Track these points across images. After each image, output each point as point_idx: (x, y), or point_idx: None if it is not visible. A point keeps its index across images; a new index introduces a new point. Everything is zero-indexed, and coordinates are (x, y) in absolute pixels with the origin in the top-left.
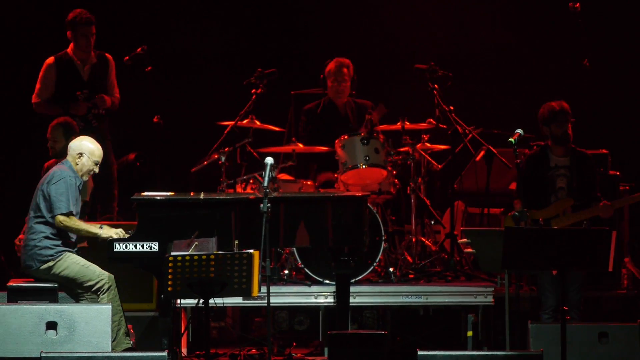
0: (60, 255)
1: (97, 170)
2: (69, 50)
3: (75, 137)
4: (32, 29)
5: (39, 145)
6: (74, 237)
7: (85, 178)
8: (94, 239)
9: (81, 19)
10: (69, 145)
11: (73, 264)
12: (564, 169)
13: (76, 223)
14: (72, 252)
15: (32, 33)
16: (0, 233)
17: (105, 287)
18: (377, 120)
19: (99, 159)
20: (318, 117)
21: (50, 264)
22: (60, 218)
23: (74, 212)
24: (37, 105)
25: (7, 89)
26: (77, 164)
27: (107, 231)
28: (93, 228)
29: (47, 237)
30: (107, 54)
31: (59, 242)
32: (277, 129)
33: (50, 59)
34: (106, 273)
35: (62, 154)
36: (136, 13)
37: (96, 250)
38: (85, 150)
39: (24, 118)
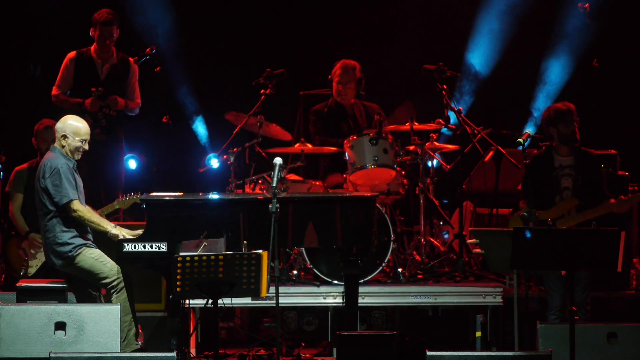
0: (79, 250)
1: (86, 147)
2: (91, 47)
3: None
4: (39, 28)
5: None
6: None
7: (77, 157)
8: (103, 239)
9: (102, 18)
10: (55, 127)
11: (91, 258)
12: (568, 169)
13: (87, 214)
14: (90, 245)
15: (39, 32)
16: (8, 233)
17: (120, 286)
18: (402, 119)
19: (86, 137)
20: (325, 118)
21: (72, 254)
22: (72, 206)
23: (76, 197)
24: (56, 97)
25: (14, 89)
26: (64, 146)
27: (119, 230)
28: (105, 223)
29: (63, 231)
30: (130, 58)
31: (75, 234)
32: (284, 137)
33: (72, 53)
34: (117, 267)
35: None
36: (143, 13)
37: (105, 250)
38: (69, 130)
39: (36, 117)
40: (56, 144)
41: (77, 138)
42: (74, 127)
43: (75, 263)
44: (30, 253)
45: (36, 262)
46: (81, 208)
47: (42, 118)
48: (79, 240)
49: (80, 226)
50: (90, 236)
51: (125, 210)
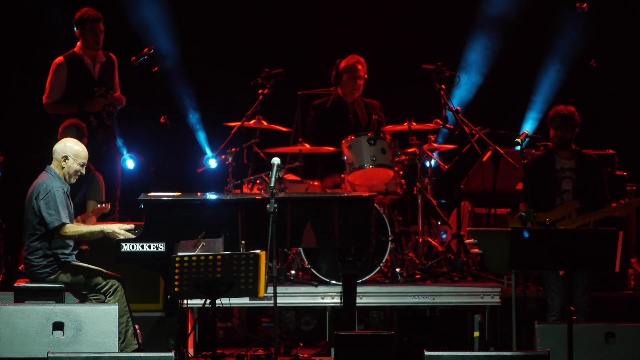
0: (60, 269)
1: (83, 171)
2: (76, 49)
3: (81, 138)
4: (38, 28)
5: (47, 146)
6: (71, 244)
7: (72, 180)
8: (98, 241)
9: (89, 17)
10: (53, 149)
11: (75, 272)
12: (569, 172)
13: (76, 229)
14: (71, 261)
15: (38, 33)
16: (7, 233)
17: (112, 290)
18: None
19: (85, 160)
20: (327, 113)
21: (52, 277)
22: (61, 231)
23: (68, 221)
24: (49, 105)
25: (14, 89)
26: (63, 168)
27: (112, 227)
28: (95, 228)
29: (44, 255)
30: (111, 54)
31: (55, 257)
32: (283, 129)
33: (60, 59)
34: (103, 273)
35: None
36: (143, 13)
37: (100, 253)
38: (70, 152)
39: (36, 117)
40: (54, 166)
41: (77, 161)
42: (75, 150)
43: (60, 279)
44: None
45: None
46: (69, 229)
47: (41, 119)
48: (59, 261)
49: (63, 246)
50: (73, 257)
51: (121, 210)
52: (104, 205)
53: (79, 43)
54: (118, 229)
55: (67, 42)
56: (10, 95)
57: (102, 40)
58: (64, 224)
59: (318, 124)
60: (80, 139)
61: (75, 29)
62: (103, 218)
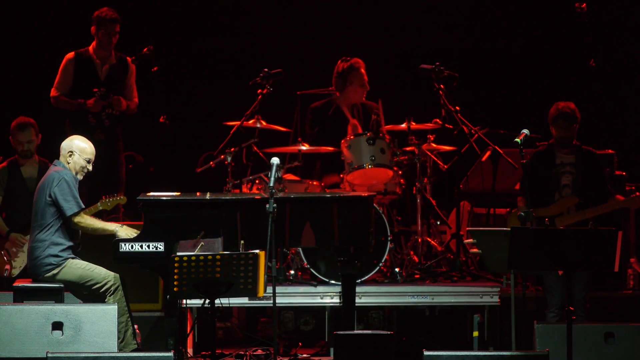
0: (63, 262)
1: (90, 168)
2: (90, 48)
3: (28, 134)
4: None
5: (47, 146)
6: (77, 241)
7: (79, 177)
8: (96, 240)
9: (107, 16)
10: (61, 146)
11: (77, 269)
12: (569, 167)
13: (91, 222)
14: (75, 257)
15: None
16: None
17: (112, 288)
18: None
19: (91, 157)
20: (328, 118)
21: (55, 271)
22: (76, 219)
23: (83, 209)
24: (55, 99)
25: (14, 89)
26: (69, 163)
27: (125, 230)
28: (110, 226)
29: (51, 245)
30: (128, 58)
31: (62, 249)
32: (282, 129)
33: (71, 54)
34: (112, 273)
35: (33, 152)
36: (142, 13)
37: (98, 252)
38: (76, 148)
39: (35, 118)
40: (62, 160)
41: (83, 156)
42: (81, 146)
43: (61, 275)
44: (13, 252)
45: (19, 262)
46: (85, 220)
47: (41, 119)
48: (64, 254)
49: (69, 241)
50: (78, 257)
51: (124, 210)
52: (117, 196)
53: (94, 42)
54: (126, 235)
55: (72, 41)
56: (9, 96)
57: (115, 42)
58: (78, 212)
59: (317, 129)
60: (27, 135)
61: (91, 26)
62: (99, 215)
